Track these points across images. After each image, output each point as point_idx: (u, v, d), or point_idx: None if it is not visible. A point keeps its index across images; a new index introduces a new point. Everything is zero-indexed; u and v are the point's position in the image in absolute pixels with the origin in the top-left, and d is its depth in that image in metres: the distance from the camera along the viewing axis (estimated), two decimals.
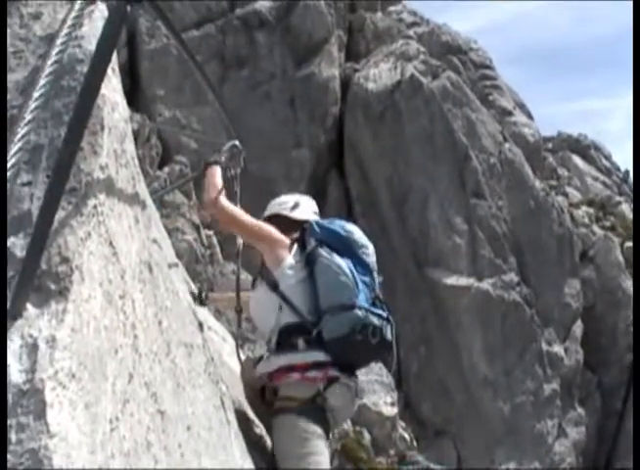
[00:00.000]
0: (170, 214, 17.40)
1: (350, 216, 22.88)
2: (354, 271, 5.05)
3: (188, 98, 22.31)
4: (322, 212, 20.58)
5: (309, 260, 5.10)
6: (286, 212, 5.54)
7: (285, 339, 4.99)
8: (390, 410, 17.62)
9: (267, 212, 5.60)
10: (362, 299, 4.99)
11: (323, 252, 5.08)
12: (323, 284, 5.00)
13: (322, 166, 22.96)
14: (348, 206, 22.95)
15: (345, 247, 5.20)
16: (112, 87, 3.36)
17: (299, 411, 4.89)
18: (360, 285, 5.03)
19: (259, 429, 5.84)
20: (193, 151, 19.38)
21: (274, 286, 5.04)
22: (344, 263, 5.05)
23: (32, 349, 2.39)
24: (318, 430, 4.88)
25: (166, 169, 20.38)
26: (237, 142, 5.66)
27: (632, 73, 29.37)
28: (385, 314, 5.11)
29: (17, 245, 2.68)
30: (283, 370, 4.98)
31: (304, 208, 5.69)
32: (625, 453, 23.01)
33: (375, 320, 4.99)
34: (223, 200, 5.18)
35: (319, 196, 22.39)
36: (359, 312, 4.91)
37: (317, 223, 5.37)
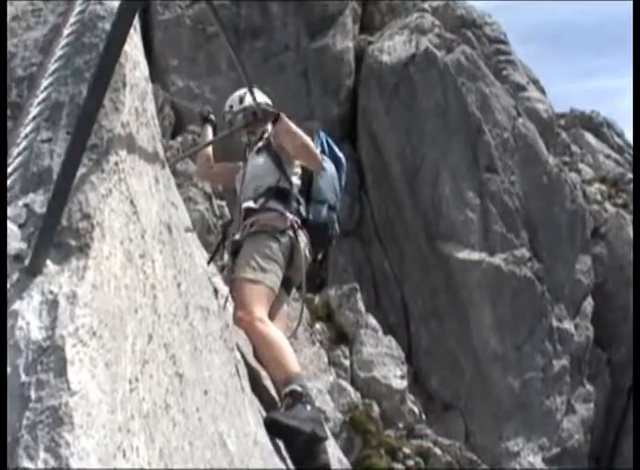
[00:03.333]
0: (182, 184, 17.39)
1: (362, 188, 22.84)
2: (340, 183, 6.60)
3: (201, 68, 22.27)
4: None
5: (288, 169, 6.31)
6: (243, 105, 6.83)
7: (277, 194, 6.10)
8: (400, 383, 17.66)
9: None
10: (338, 205, 6.48)
11: (327, 160, 6.49)
12: (322, 183, 6.32)
13: (334, 138, 22.73)
14: (360, 177, 22.89)
15: (337, 164, 6.69)
16: (133, 44, 3.31)
17: (272, 235, 5.89)
18: (339, 194, 6.51)
19: (272, 397, 5.82)
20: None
21: (278, 162, 6.24)
22: (336, 175, 6.56)
23: (52, 305, 2.35)
24: (280, 259, 5.82)
25: (179, 139, 20.37)
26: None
27: (633, 76, 29.34)
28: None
29: (36, 201, 2.64)
30: (267, 210, 6.05)
31: (249, 97, 6.53)
32: (632, 430, 23.05)
33: (337, 222, 6.42)
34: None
35: None
36: (333, 214, 6.36)
37: (326, 139, 6.82)
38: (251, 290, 5.61)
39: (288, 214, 6.03)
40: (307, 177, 6.35)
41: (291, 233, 5.96)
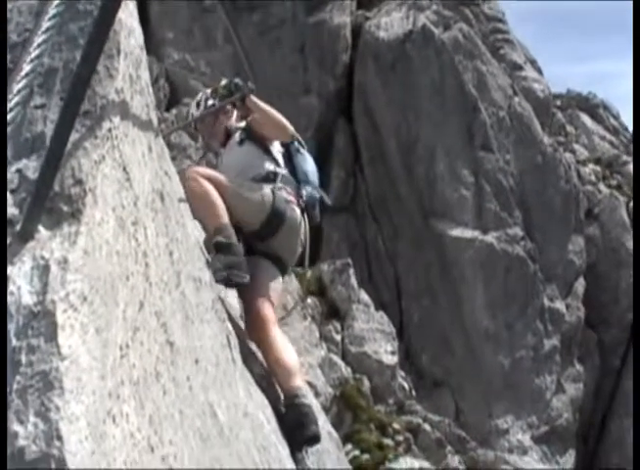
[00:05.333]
0: (176, 157, 17.33)
1: (357, 164, 22.82)
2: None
3: (197, 41, 22.20)
4: (329, 159, 20.47)
5: (290, 150, 6.57)
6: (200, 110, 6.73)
7: (275, 180, 6.20)
8: (391, 359, 17.71)
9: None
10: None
11: (302, 149, 6.67)
12: (307, 167, 6.54)
13: (330, 114, 22.85)
14: (355, 153, 22.87)
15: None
16: (128, 12, 3.30)
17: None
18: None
19: (262, 370, 5.83)
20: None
21: (266, 149, 6.37)
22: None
23: (44, 270, 2.35)
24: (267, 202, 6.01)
25: (174, 111, 20.32)
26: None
27: (632, 77, 29.30)
28: None
29: (29, 167, 2.64)
30: None
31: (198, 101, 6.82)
32: (621, 411, 23.15)
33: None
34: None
35: (327, 142, 22.32)
36: (317, 194, 6.51)
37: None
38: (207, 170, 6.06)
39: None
40: (289, 161, 6.53)
41: (296, 208, 6.17)
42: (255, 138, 6.39)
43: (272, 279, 6.00)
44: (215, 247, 5.41)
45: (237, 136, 6.49)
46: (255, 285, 5.73)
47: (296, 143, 6.62)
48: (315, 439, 5.52)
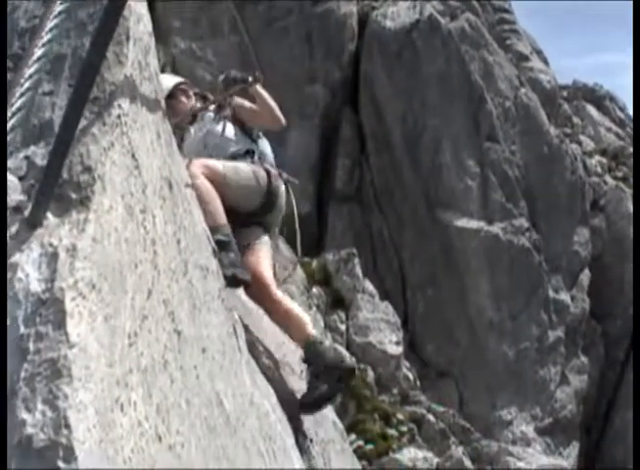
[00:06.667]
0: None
1: (363, 153, 22.78)
2: None
3: (204, 30, 22.15)
4: (334, 148, 20.45)
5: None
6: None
7: (247, 153, 6.44)
8: (395, 349, 17.72)
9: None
10: None
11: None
12: (267, 150, 6.72)
13: (336, 103, 22.82)
14: (361, 143, 22.83)
15: None
16: None
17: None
18: None
19: (269, 360, 5.83)
20: (207, 83, 19.22)
21: (242, 128, 6.60)
22: None
23: (52, 257, 2.34)
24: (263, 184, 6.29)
25: None
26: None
27: (632, 78, 29.20)
28: None
29: (37, 154, 2.63)
30: None
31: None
32: (626, 403, 23.13)
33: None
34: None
35: (332, 132, 22.30)
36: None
37: None
38: (206, 162, 6.08)
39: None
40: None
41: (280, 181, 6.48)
42: (233, 118, 6.64)
43: (266, 245, 6.22)
44: (217, 245, 5.39)
45: (211, 115, 6.71)
46: (253, 252, 6.00)
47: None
48: (354, 370, 5.90)
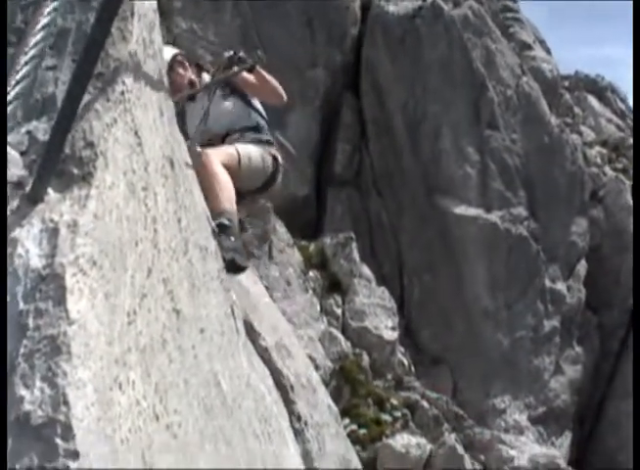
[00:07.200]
0: None
1: (363, 138, 22.75)
2: None
3: (205, 11, 22.05)
4: (335, 132, 20.40)
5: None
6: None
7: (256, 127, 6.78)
8: (391, 335, 17.72)
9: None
10: None
11: None
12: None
13: (337, 87, 22.77)
14: (361, 127, 22.78)
15: None
16: None
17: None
18: None
19: (265, 342, 5.82)
20: (209, 63, 19.17)
21: (248, 102, 6.90)
22: None
23: (53, 233, 2.32)
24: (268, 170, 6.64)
25: None
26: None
27: (632, 81, 29.07)
28: None
29: (39, 129, 2.60)
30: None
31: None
32: (619, 394, 23.18)
33: None
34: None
35: (333, 116, 22.26)
36: None
37: None
38: (226, 150, 6.38)
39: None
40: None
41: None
42: (238, 92, 6.92)
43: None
44: (219, 228, 5.52)
45: (218, 91, 6.87)
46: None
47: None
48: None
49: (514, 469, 18.13)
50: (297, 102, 19.75)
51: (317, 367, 13.94)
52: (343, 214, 21.78)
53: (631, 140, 31.16)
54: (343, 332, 17.12)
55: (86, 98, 2.58)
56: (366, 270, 18.69)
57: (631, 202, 25.70)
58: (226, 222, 5.62)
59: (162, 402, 2.66)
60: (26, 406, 2.07)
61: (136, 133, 2.83)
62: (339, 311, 17.52)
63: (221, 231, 5.49)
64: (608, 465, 22.30)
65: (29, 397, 2.08)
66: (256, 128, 6.81)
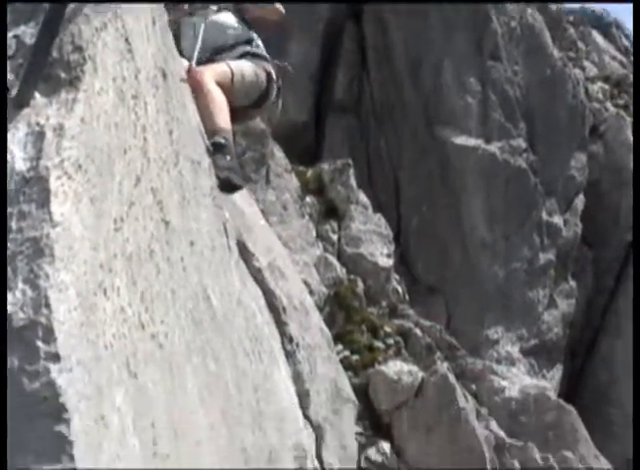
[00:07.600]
0: None
1: (364, 67, 22.55)
2: None
3: None
4: (336, 60, 20.17)
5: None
6: None
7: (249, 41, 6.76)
8: (386, 262, 17.71)
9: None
10: None
11: None
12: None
13: (340, 14, 22.52)
14: (362, 56, 22.57)
15: None
16: None
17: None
18: None
19: (258, 262, 5.81)
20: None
21: (242, 17, 6.83)
22: None
23: (39, 136, 2.29)
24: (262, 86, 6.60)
25: None
26: None
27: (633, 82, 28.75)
28: None
29: (27, 33, 2.55)
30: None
31: None
32: (613, 331, 23.29)
33: None
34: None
35: (334, 43, 22.03)
36: None
37: None
38: (220, 67, 6.30)
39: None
40: None
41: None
42: (233, 8, 6.90)
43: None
44: (214, 147, 5.46)
45: (213, 6, 6.82)
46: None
47: None
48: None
49: (504, 400, 18.27)
50: (297, 29, 19.56)
51: (312, 293, 13.98)
52: (342, 142, 21.66)
53: None
54: (339, 258, 17.11)
55: (75, 1, 2.53)
56: (363, 197, 18.61)
57: (631, 138, 25.56)
58: (222, 141, 5.54)
59: (148, 312, 2.65)
60: (8, 308, 2.06)
61: (127, 40, 2.77)
62: (334, 237, 17.49)
63: (216, 150, 5.42)
64: (598, 400, 22.49)
65: (11, 298, 2.06)
66: (250, 41, 6.78)
